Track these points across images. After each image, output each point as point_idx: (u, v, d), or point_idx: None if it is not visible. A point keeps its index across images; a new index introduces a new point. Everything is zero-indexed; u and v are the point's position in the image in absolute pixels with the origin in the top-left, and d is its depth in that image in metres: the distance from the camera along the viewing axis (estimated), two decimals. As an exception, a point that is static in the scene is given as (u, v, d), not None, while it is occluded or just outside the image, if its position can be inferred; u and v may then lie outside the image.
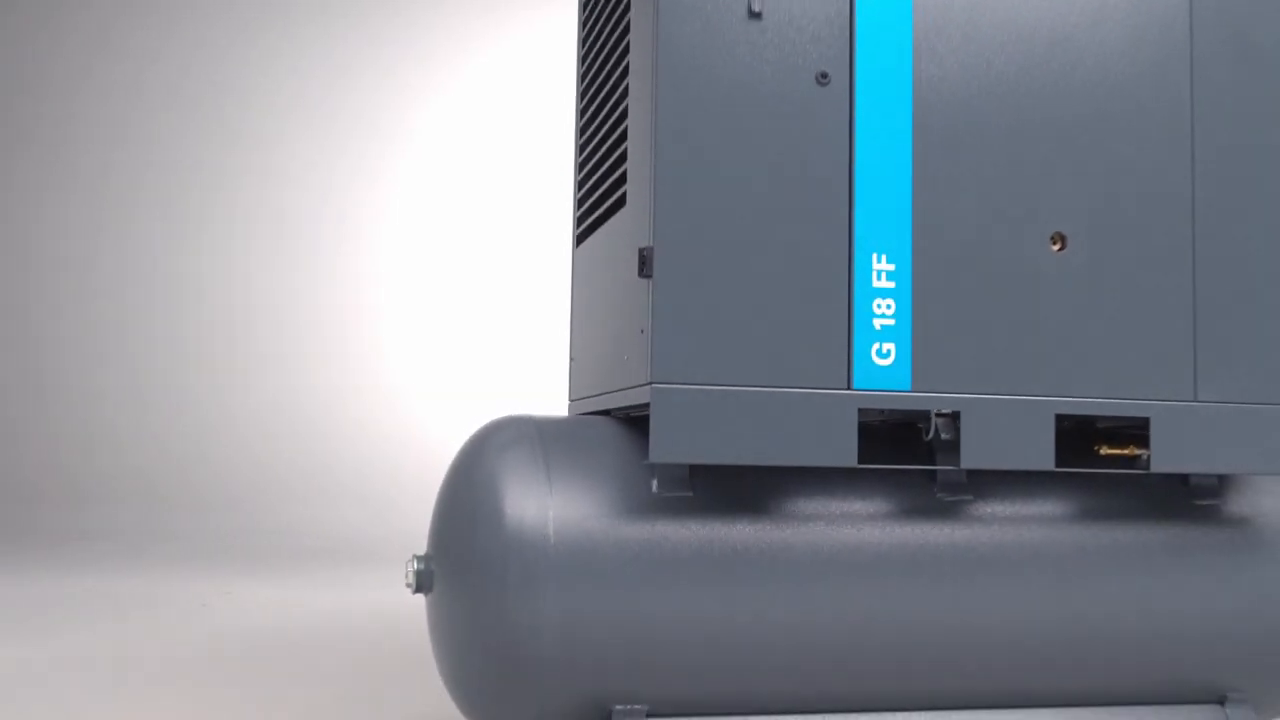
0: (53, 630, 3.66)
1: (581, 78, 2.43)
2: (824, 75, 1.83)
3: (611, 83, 2.14)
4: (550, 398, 7.79)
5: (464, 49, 8.28)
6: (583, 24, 2.44)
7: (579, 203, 2.41)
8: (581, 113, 2.41)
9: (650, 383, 1.78)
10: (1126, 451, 1.98)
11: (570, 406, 2.45)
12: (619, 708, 1.85)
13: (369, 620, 3.97)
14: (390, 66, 8.25)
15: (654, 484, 1.85)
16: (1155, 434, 1.93)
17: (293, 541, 6.73)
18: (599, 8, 2.28)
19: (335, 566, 5.73)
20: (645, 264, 1.80)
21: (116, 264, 8.20)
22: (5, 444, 7.85)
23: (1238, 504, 2.09)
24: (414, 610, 4.15)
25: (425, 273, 8.20)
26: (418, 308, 8.15)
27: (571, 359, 2.45)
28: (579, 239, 2.41)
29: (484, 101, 8.29)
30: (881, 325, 1.83)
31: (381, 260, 8.22)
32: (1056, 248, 1.91)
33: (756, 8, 1.80)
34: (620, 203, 2.03)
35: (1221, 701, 2.07)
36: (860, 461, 1.83)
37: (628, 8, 2.02)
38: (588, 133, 2.34)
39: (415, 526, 6.90)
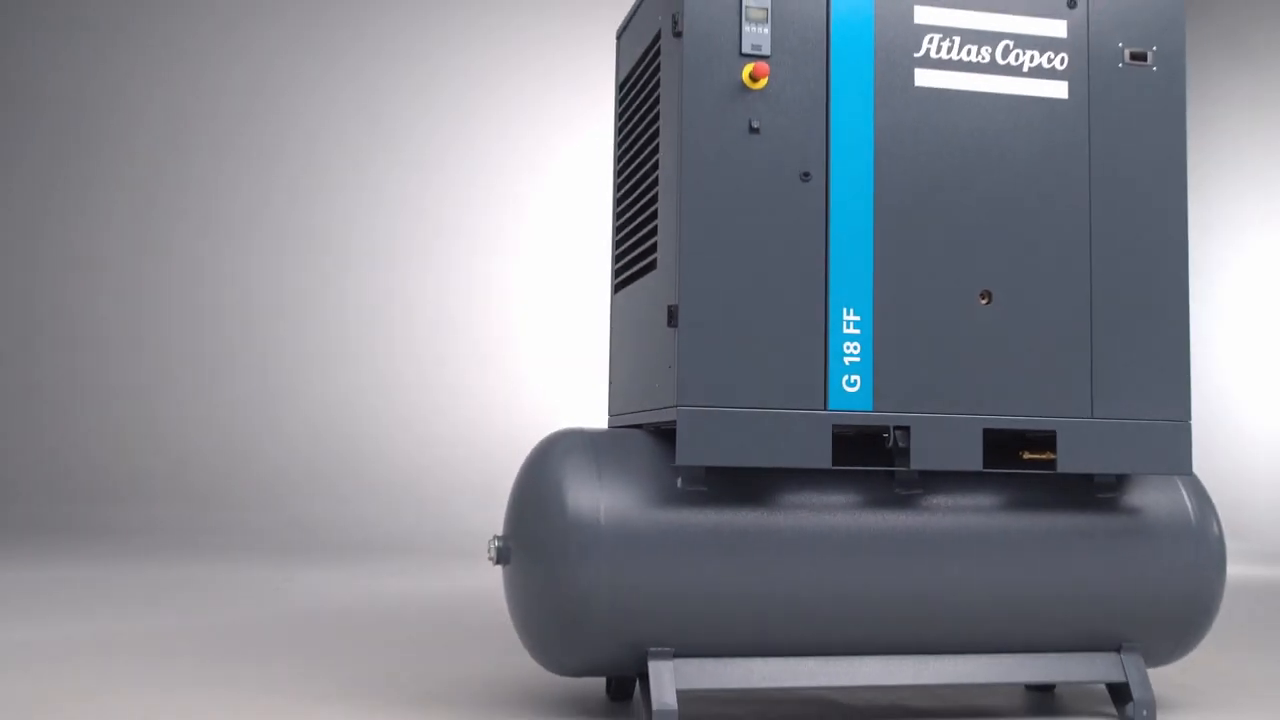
0: (137, 609, 4.16)
1: (617, 160, 2.95)
2: (807, 174, 2.36)
3: (643, 172, 2.66)
4: (584, 413, 8.33)
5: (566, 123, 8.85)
6: (618, 115, 2.97)
7: (616, 259, 2.94)
8: (618, 188, 2.93)
9: (676, 405, 2.30)
10: (1043, 456, 2.49)
11: (609, 420, 2.97)
12: (653, 650, 2.33)
13: (434, 599, 4.49)
14: (500, 133, 8.79)
15: (679, 481, 2.36)
16: (1061, 443, 2.44)
17: (338, 536, 7.23)
18: (632, 111, 2.80)
19: (382, 558, 6.23)
20: (673, 317, 2.33)
21: (172, 273, 8.69)
22: (75, 445, 8.30)
23: (1131, 497, 2.59)
24: (471, 591, 4.67)
25: (477, 302, 8.69)
26: (475, 331, 8.65)
27: (610, 383, 2.97)
28: (616, 288, 2.94)
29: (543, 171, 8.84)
30: (850, 362, 2.35)
31: (431, 279, 8.72)
32: (985, 302, 2.43)
33: (756, 125, 2.33)
34: (651, 266, 2.55)
35: (1118, 649, 2.55)
36: (834, 464, 2.35)
37: (656, 116, 2.55)
38: (623, 204, 2.87)
39: (452, 524, 7.42)
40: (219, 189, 8.69)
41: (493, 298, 8.67)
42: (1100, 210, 2.48)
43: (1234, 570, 6.48)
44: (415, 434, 8.32)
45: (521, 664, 3.10)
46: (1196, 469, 9.21)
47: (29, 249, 8.60)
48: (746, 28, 2.34)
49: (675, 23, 2.36)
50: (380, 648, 3.37)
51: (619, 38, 2.99)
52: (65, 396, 8.42)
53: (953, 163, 2.42)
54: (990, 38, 2.45)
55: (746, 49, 2.34)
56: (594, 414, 8.27)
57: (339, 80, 8.79)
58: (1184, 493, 2.62)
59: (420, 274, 8.67)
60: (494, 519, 7.21)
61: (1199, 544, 2.58)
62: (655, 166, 2.55)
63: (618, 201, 2.92)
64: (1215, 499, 9.16)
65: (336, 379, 8.50)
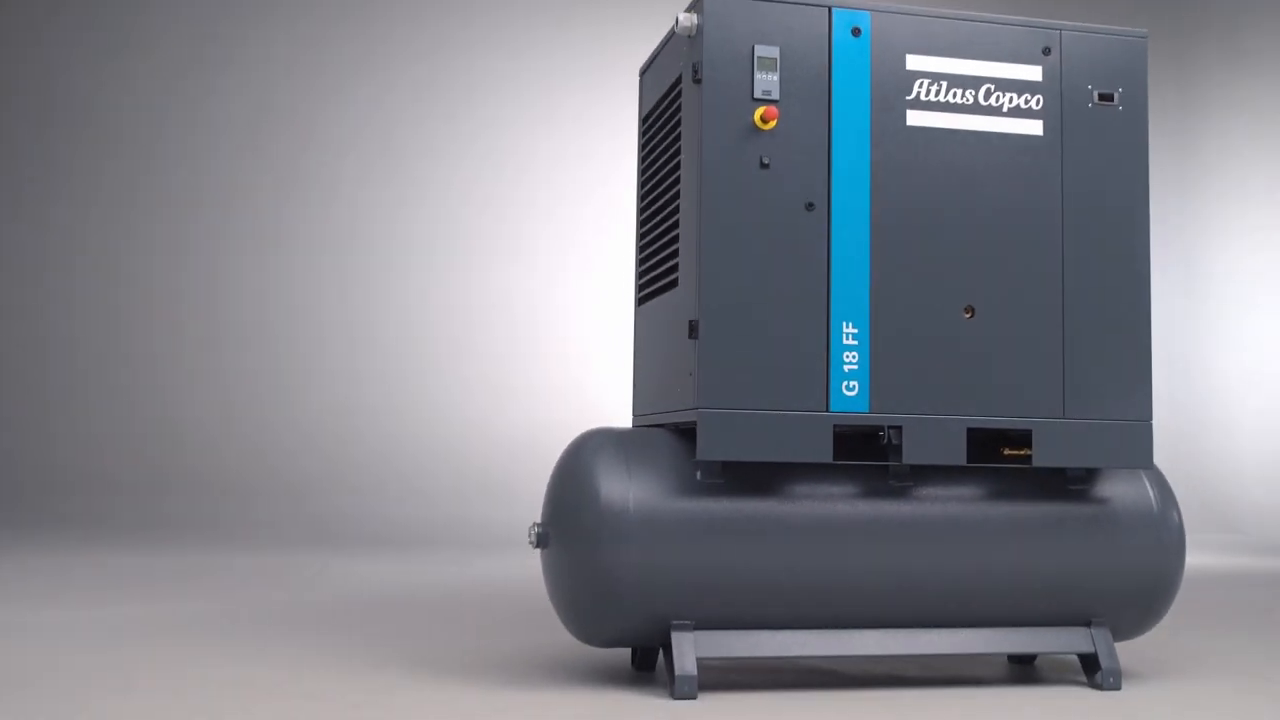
0: (179, 594, 4.45)
1: (641, 186, 3.23)
2: (811, 204, 2.65)
3: (665, 199, 2.95)
4: (604, 414, 8.64)
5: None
6: (642, 146, 3.25)
7: (640, 275, 3.22)
8: (641, 210, 3.22)
9: (696, 407, 2.59)
10: (1020, 452, 2.77)
11: (634, 420, 3.25)
12: (675, 622, 2.59)
13: (464, 585, 4.77)
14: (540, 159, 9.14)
15: (698, 474, 2.63)
16: (1036, 441, 2.72)
17: (368, 529, 7.52)
18: (655, 144, 3.08)
19: (412, 549, 6.52)
20: (693, 330, 2.61)
21: (216, 281, 8.98)
22: (138, 443, 8.57)
23: (1099, 488, 2.86)
24: (499, 579, 4.95)
25: (506, 313, 8.99)
26: (504, 338, 8.97)
27: (635, 387, 3.26)
28: (639, 302, 3.22)
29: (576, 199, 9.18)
30: (849, 369, 2.64)
31: (464, 289, 9.01)
32: (968, 316, 2.71)
33: (766, 161, 2.62)
34: (673, 284, 2.84)
35: (1088, 624, 2.82)
36: (835, 459, 2.63)
37: (678, 151, 2.84)
38: (647, 227, 3.15)
39: (479, 518, 7.70)
40: (259, 195, 8.99)
41: (520, 308, 8.99)
42: (1072, 234, 2.76)
43: (1225, 561, 6.75)
44: (444, 433, 8.61)
45: (552, 641, 3.39)
46: (1192, 466, 9.45)
47: (69, 256, 8.91)
48: (758, 75, 2.62)
49: (696, 70, 2.65)
50: (420, 627, 3.65)
51: (642, 74, 3.28)
52: (106, 397, 8.71)
53: (940, 193, 2.71)
54: (973, 81, 2.74)
55: (758, 94, 2.62)
56: (613, 415, 8.57)
57: (384, 99, 9.13)
58: (1147, 485, 2.90)
59: (454, 284, 8.99)
60: (519, 513, 7.51)
61: (1160, 531, 2.85)
62: (677, 195, 2.84)
63: (641, 224, 3.21)
64: (1209, 495, 9.41)
65: (365, 383, 8.79)
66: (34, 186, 8.92)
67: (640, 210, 3.22)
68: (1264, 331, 10.03)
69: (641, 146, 3.24)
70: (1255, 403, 9.95)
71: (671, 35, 2.89)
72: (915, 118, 2.70)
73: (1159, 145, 10.16)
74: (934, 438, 2.66)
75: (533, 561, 5.89)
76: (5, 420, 8.57)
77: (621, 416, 8.45)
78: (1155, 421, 9.46)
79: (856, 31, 2.68)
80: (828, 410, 2.62)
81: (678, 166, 2.83)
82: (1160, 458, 9.16)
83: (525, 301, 8.97)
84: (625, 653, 3.14)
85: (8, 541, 6.43)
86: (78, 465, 8.37)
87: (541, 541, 2.76)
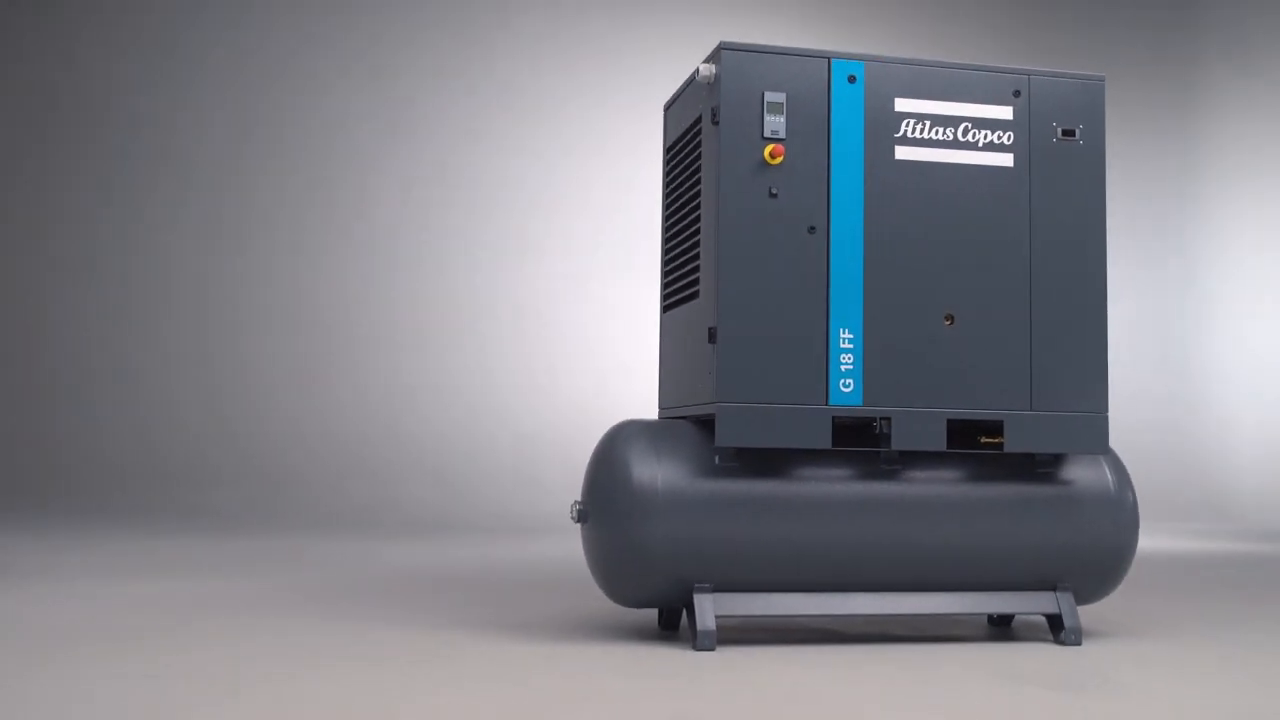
0: (241, 573, 4.82)
1: (665, 208, 3.65)
2: (812, 228, 3.06)
3: (687, 222, 3.36)
4: (632, 407, 9.02)
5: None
6: (665, 174, 3.66)
7: (665, 286, 3.64)
8: (666, 229, 3.63)
9: (715, 402, 3.01)
10: (994, 440, 3.18)
11: (659, 412, 3.66)
12: (697, 585, 2.96)
13: (499, 564, 5.16)
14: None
15: (717, 459, 3.01)
16: (1007, 430, 3.11)
17: (405, 516, 7.91)
18: (678, 173, 3.48)
19: (447, 535, 6.90)
20: (712, 336, 3.03)
21: (258, 273, 9.39)
22: (229, 439, 8.85)
23: (1064, 471, 3.24)
24: (541, 556, 5.32)
25: (531, 317, 9.38)
26: (526, 337, 9.37)
27: (660, 383, 3.67)
28: (665, 309, 3.64)
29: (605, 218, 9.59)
30: (845, 369, 3.05)
31: (490, 293, 9.42)
32: (948, 323, 3.12)
33: (774, 191, 3.03)
34: (694, 295, 3.26)
35: (1054, 589, 3.20)
36: (834, 445, 3.04)
37: (698, 180, 3.25)
38: (671, 244, 3.56)
39: (507, 505, 8.09)
40: (319, 201, 9.39)
41: (555, 313, 9.43)
42: (1038, 252, 3.17)
43: (1217, 546, 7.05)
44: (485, 426, 9.01)
45: (590, 605, 3.80)
46: (1189, 457, 9.78)
47: (109, 257, 9.34)
48: (768, 117, 3.03)
49: (714, 113, 3.06)
50: (470, 597, 4.05)
51: (666, 109, 3.68)
52: (195, 393, 9.09)
53: (924, 217, 3.11)
54: (953, 120, 3.14)
55: (767, 134, 3.03)
56: (639, 409, 8.99)
57: (442, 118, 9.57)
58: (1106, 469, 3.28)
59: (494, 289, 9.39)
60: (557, 497, 7.92)
61: (1117, 509, 3.23)
62: (697, 219, 3.25)
63: (666, 241, 3.62)
64: (1205, 484, 9.73)
65: (414, 378, 9.16)
66: (115, 194, 9.37)
67: (665, 229, 3.63)
68: (1261, 328, 10.33)
69: (666, 174, 3.64)
70: (1251, 396, 10.25)
71: (692, 80, 3.30)
72: (903, 152, 3.10)
73: (1160, 143, 10.45)
74: (919, 427, 3.06)
75: (568, 542, 6.30)
76: (103, 415, 8.99)
77: (647, 410, 8.89)
78: (1153, 415, 9.81)
79: (852, 79, 3.09)
80: (827, 404, 3.02)
81: (698, 194, 3.24)
82: (1158, 448, 9.51)
83: (560, 307, 9.42)
84: (653, 614, 3.54)
85: (116, 527, 6.86)
86: (174, 458, 8.80)
87: (581, 517, 3.16)
